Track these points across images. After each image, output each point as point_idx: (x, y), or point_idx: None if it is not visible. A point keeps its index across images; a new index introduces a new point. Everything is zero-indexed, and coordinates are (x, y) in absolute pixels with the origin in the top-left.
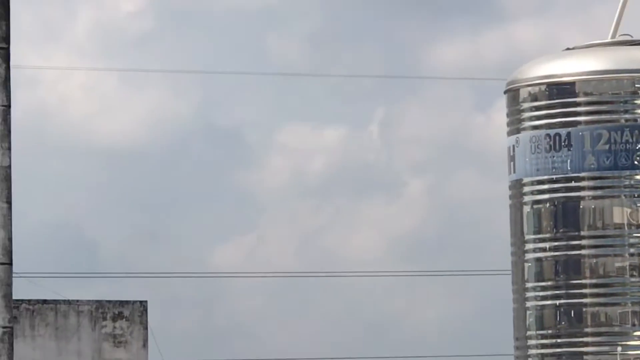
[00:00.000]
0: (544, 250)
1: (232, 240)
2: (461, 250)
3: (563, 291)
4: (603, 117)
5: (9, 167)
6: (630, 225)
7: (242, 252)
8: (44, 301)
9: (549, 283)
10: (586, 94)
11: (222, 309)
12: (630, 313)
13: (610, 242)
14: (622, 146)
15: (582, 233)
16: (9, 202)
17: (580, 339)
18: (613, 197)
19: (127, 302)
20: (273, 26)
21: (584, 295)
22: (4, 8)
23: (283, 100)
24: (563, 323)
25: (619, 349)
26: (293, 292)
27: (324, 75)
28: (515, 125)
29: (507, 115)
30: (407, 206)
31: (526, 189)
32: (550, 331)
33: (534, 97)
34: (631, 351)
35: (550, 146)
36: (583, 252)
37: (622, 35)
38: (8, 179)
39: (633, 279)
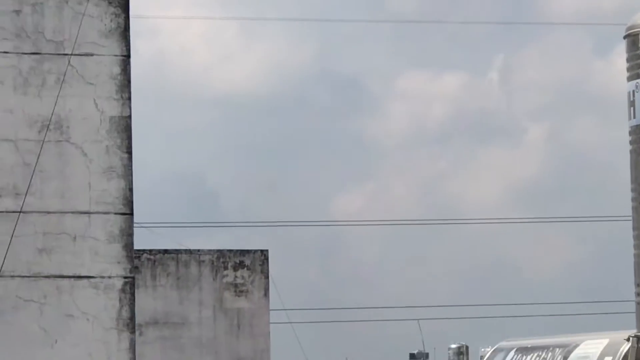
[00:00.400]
0: None
1: (353, 188)
2: (582, 196)
3: None
4: None
5: (129, 117)
6: None
7: (362, 200)
8: (165, 251)
9: None
10: None
11: (342, 258)
12: None
13: None
14: None
15: None
16: (129, 152)
17: None
18: None
19: (248, 251)
20: None
21: None
22: None
23: (401, 48)
24: None
25: None
26: (413, 239)
27: (442, 22)
28: (635, 70)
29: (627, 60)
30: (527, 152)
31: None
32: None
33: None
34: None
35: None
36: None
37: None
38: (128, 129)
39: None
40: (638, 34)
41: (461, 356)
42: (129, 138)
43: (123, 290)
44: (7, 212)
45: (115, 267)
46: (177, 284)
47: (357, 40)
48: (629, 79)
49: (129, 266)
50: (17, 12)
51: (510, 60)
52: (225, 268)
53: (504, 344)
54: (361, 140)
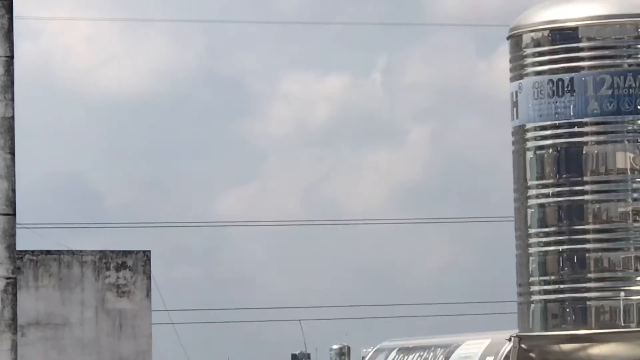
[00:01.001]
0: (546, 196)
1: (235, 189)
2: (464, 197)
3: (566, 237)
4: (606, 62)
5: (12, 117)
6: (633, 170)
7: (245, 201)
8: (48, 252)
9: (552, 229)
10: (589, 39)
11: (225, 258)
12: (633, 258)
13: (613, 187)
14: (625, 91)
15: (585, 178)
16: (12, 152)
17: (583, 285)
18: (616, 142)
19: (130, 252)
20: None
21: (587, 241)
22: None
23: (285, 49)
24: (566, 269)
25: (622, 294)
26: (296, 240)
27: (326, 23)
28: (518, 71)
29: (510, 61)
30: (410, 154)
31: (529, 134)
32: (553, 277)
33: (537, 43)
34: (634, 296)
35: (553, 92)
36: (586, 197)
37: None
38: (11, 129)
39: (636, 224)
40: (521, 35)
41: (343, 357)
42: (12, 139)
43: (5, 291)
44: None
45: None
46: (59, 285)
47: (241, 42)
48: (512, 79)
49: (11, 267)
50: None
51: (393, 62)
52: (108, 269)
53: (385, 344)
54: (245, 141)
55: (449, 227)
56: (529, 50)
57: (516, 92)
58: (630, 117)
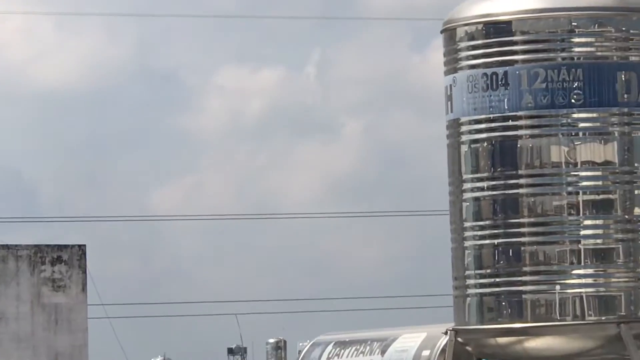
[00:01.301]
0: (481, 189)
1: (170, 183)
2: (399, 191)
3: (501, 230)
4: (540, 55)
5: None
6: (567, 163)
7: (180, 195)
8: None
9: (487, 222)
10: (523, 33)
11: (161, 253)
12: (568, 252)
13: (548, 180)
14: (559, 84)
15: (520, 172)
16: None
17: (519, 278)
18: (550, 135)
19: (65, 246)
20: None
21: (522, 234)
22: None
23: (219, 43)
24: (501, 262)
25: (558, 287)
26: (232, 234)
27: (260, 17)
28: (452, 64)
29: (444, 54)
30: (345, 147)
31: (463, 128)
32: (488, 270)
33: (471, 37)
34: (569, 290)
35: (488, 85)
36: (521, 191)
37: None
38: None
39: (571, 218)
40: (455, 29)
41: (279, 350)
42: None
43: None
44: None
45: None
46: None
47: (175, 36)
48: (446, 73)
49: None
50: None
51: (327, 55)
52: (43, 263)
53: (321, 337)
54: (179, 135)
55: (385, 221)
56: (462, 44)
57: (450, 85)
58: (564, 111)
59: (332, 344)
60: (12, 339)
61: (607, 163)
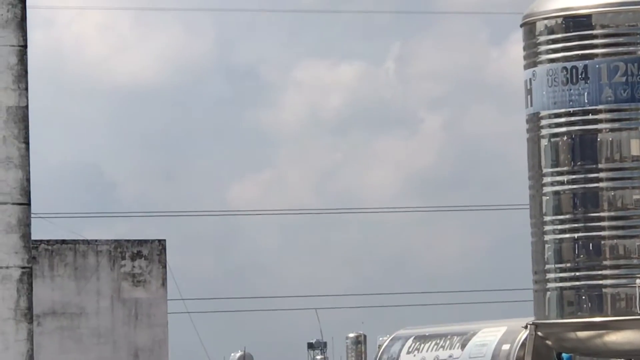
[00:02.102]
0: (561, 183)
1: (249, 178)
2: (478, 185)
3: (581, 224)
4: (620, 49)
5: (26, 107)
6: None
7: (259, 190)
8: (63, 241)
9: (567, 216)
10: (602, 26)
11: (239, 247)
12: None
13: (627, 174)
14: (639, 78)
15: (600, 166)
16: (26, 142)
17: (599, 272)
18: (630, 129)
19: (145, 241)
20: None
21: (602, 228)
22: None
23: (298, 37)
24: (581, 256)
25: (638, 281)
26: (310, 229)
27: (338, 12)
28: (532, 58)
29: (524, 48)
30: (424, 142)
31: (543, 122)
32: (568, 264)
33: (551, 30)
34: None
35: (567, 79)
36: (601, 184)
37: None
38: (25, 119)
39: None
40: (535, 22)
41: (359, 345)
42: (26, 128)
43: (21, 280)
44: None
45: (12, 258)
46: (75, 274)
47: (253, 31)
48: (526, 67)
49: (27, 256)
50: None
51: (406, 50)
52: (123, 258)
53: (401, 332)
54: (258, 130)
55: (464, 216)
56: (542, 38)
57: (530, 79)
58: None
59: (412, 338)
60: (92, 334)
61: None
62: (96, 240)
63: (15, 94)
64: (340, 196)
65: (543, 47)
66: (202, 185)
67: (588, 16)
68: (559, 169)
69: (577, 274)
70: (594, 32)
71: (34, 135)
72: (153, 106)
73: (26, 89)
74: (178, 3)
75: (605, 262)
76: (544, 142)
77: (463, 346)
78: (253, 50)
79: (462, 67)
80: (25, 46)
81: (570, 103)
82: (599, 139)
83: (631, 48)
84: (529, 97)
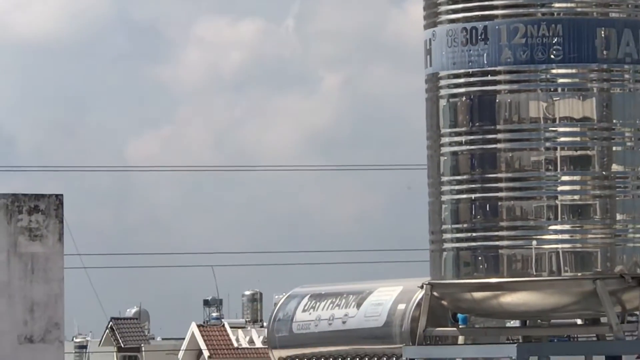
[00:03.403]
0: (459, 144)
1: (148, 135)
2: (377, 145)
3: (478, 185)
4: (520, 10)
5: None
6: (546, 119)
7: (157, 147)
8: None
9: (465, 177)
10: None
11: (137, 204)
12: (545, 207)
13: (526, 136)
14: (539, 40)
15: (498, 127)
16: None
17: (495, 233)
18: (529, 91)
19: (42, 195)
20: None
21: (500, 189)
22: None
23: None
24: (478, 217)
25: (534, 243)
26: (208, 186)
27: None
28: (431, 18)
29: (424, 8)
30: (323, 101)
31: (442, 82)
32: (465, 225)
33: None
34: (545, 245)
35: (467, 40)
36: (499, 145)
37: None
38: None
39: (548, 173)
40: None
41: (255, 303)
42: None
43: None
44: None
45: None
46: None
47: None
48: (426, 27)
49: None
50: None
51: (306, 8)
52: (20, 212)
53: (297, 290)
54: (157, 86)
55: (361, 175)
56: None
57: (430, 39)
58: (544, 66)
59: (307, 296)
60: None
61: (585, 119)
62: None
63: None
64: (238, 154)
65: (443, 7)
66: (100, 141)
67: None
68: (457, 129)
69: (474, 234)
70: None
71: None
72: (53, 62)
73: None
74: None
75: (502, 224)
76: (442, 102)
77: (359, 305)
78: (153, 7)
79: (362, 26)
80: None
81: (470, 64)
82: (497, 100)
83: (531, 10)
84: (428, 57)
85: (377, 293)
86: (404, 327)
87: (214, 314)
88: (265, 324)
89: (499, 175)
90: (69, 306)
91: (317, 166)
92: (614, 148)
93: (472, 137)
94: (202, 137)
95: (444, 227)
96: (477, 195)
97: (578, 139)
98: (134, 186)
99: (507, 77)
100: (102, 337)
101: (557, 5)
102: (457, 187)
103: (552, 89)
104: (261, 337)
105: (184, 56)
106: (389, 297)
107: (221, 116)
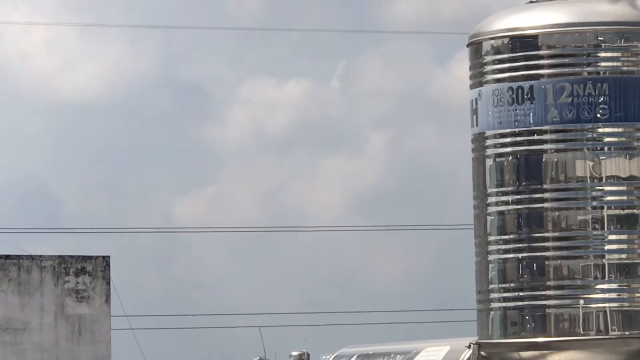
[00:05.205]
0: (506, 203)
1: (194, 195)
2: (423, 205)
3: (525, 244)
4: (566, 70)
5: None
6: (592, 178)
7: (203, 207)
8: (7, 256)
9: (512, 236)
10: (549, 47)
11: (183, 264)
12: (592, 266)
13: (572, 195)
14: (585, 99)
15: (545, 186)
16: None
17: (543, 292)
18: (575, 150)
19: (89, 257)
20: None
21: (546, 249)
22: None
23: (244, 55)
24: (525, 277)
25: (581, 302)
26: (254, 247)
27: (284, 29)
28: (477, 78)
29: (470, 68)
30: (370, 161)
31: (489, 142)
32: (512, 285)
33: (497, 50)
34: (593, 304)
35: (513, 99)
36: (545, 205)
37: None
38: None
39: (595, 232)
40: (481, 42)
41: None
42: None
43: None
44: None
45: None
46: (19, 290)
47: (199, 48)
48: (472, 87)
49: None
50: None
51: (351, 69)
52: (67, 274)
53: (345, 350)
54: (203, 147)
55: (408, 235)
56: (488, 58)
57: (476, 99)
58: (590, 125)
59: (355, 356)
60: (35, 349)
61: (632, 178)
62: (40, 256)
63: None
64: (284, 214)
65: (489, 67)
66: (146, 202)
67: (534, 36)
68: (503, 189)
69: (521, 294)
70: (540, 52)
71: None
72: (97, 122)
73: None
74: (124, 19)
75: (548, 283)
76: (489, 161)
77: None
78: (198, 67)
79: (407, 86)
80: None
81: (516, 123)
82: (544, 160)
83: (577, 69)
84: (474, 116)
85: (425, 353)
86: None
87: None
88: None
89: (546, 234)
90: None
91: (363, 226)
92: None
93: (518, 196)
94: (248, 198)
95: (491, 286)
96: (524, 254)
97: (625, 197)
98: (180, 247)
99: (554, 136)
100: None
101: (603, 64)
102: (504, 247)
103: (598, 148)
104: None
105: (230, 117)
106: (437, 356)
107: (267, 176)
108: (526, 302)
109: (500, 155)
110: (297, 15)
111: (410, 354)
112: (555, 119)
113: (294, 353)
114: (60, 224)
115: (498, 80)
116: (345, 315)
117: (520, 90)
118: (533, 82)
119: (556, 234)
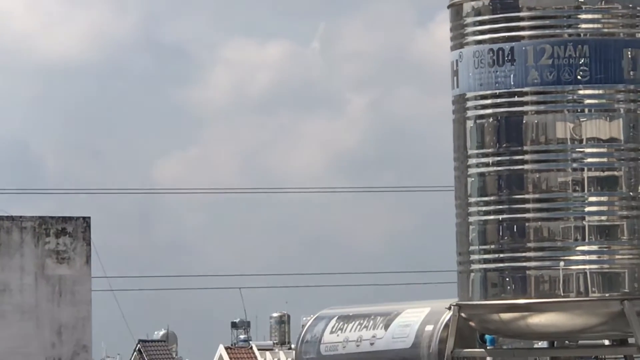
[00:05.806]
0: (486, 165)
1: (175, 156)
2: (404, 166)
3: (506, 206)
4: (546, 31)
5: None
6: (573, 140)
7: (184, 168)
8: None
9: (492, 198)
10: (529, 9)
11: (164, 225)
12: (572, 228)
13: (553, 156)
14: (565, 61)
15: (525, 148)
16: None
17: (523, 254)
18: (556, 112)
19: (70, 218)
20: None
21: (527, 210)
22: None
23: (225, 17)
24: (506, 238)
25: (562, 264)
26: (235, 208)
27: None
28: (458, 39)
29: (451, 30)
30: (350, 123)
31: (469, 103)
32: (492, 246)
33: (478, 12)
34: (573, 266)
35: (494, 61)
36: (526, 167)
37: None
38: None
39: (575, 194)
40: (462, 4)
41: (283, 324)
42: None
43: None
44: None
45: None
46: None
47: (181, 10)
48: (452, 48)
49: None
50: None
51: (332, 31)
52: (47, 235)
53: (325, 312)
54: (184, 107)
55: (389, 196)
56: (469, 19)
57: (457, 61)
58: (570, 87)
59: (335, 318)
60: (15, 310)
61: (612, 140)
62: (20, 217)
63: None
64: (265, 175)
65: (470, 29)
66: (127, 163)
67: None
68: (484, 150)
69: (501, 255)
70: (521, 14)
71: None
72: (78, 83)
73: None
74: None
75: (529, 244)
76: (469, 123)
77: (386, 326)
78: (180, 29)
79: (388, 48)
80: None
81: (497, 85)
82: (524, 121)
83: (557, 30)
84: (455, 78)
85: (405, 314)
86: (431, 349)
87: (242, 336)
88: (293, 345)
89: (526, 196)
90: (97, 329)
91: (344, 188)
92: None
93: (499, 158)
94: (229, 159)
95: (471, 248)
96: (505, 216)
97: (605, 159)
98: (161, 208)
99: (534, 98)
100: (130, 359)
101: (583, 26)
102: (484, 208)
103: (579, 110)
104: (289, 359)
105: (211, 78)
106: (417, 318)
107: (248, 138)
108: (506, 264)
109: (481, 117)
110: None
111: (390, 315)
112: (535, 81)
113: (275, 314)
114: (41, 184)
115: (479, 42)
116: (325, 277)
117: (500, 52)
118: (514, 43)
119: (536, 195)
